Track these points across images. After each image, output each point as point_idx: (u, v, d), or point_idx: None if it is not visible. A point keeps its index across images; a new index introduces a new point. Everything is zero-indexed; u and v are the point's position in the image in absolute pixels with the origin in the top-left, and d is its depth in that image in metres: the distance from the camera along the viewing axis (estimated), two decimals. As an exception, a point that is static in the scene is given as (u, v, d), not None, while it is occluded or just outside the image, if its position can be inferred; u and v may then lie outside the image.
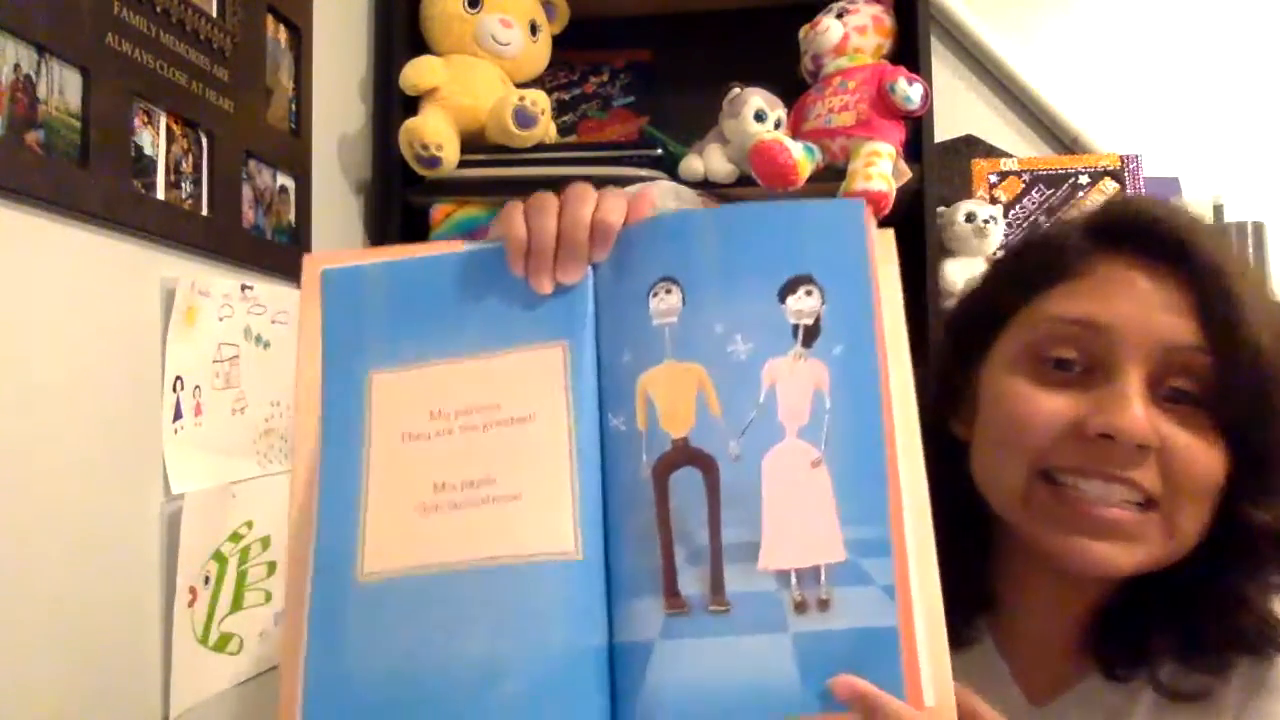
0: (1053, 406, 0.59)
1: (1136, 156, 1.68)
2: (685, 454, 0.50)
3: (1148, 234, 0.60)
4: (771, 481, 0.49)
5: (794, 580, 0.47)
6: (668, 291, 0.52)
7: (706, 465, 0.49)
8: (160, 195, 1.02)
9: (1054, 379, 0.60)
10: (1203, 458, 0.57)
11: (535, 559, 0.49)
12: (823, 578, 0.47)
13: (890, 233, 0.53)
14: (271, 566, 1.17)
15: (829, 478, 0.48)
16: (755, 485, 0.49)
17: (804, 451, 0.49)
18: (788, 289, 0.51)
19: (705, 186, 1.50)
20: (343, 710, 0.50)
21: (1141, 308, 0.58)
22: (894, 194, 1.41)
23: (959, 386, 0.66)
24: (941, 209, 1.58)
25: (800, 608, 0.47)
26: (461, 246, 0.56)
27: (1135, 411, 0.55)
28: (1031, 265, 0.64)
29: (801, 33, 1.59)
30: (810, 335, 0.50)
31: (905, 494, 0.48)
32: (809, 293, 0.50)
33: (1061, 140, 1.84)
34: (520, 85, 1.58)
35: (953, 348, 0.68)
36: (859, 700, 0.44)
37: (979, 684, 0.59)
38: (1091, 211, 0.65)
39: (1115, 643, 0.63)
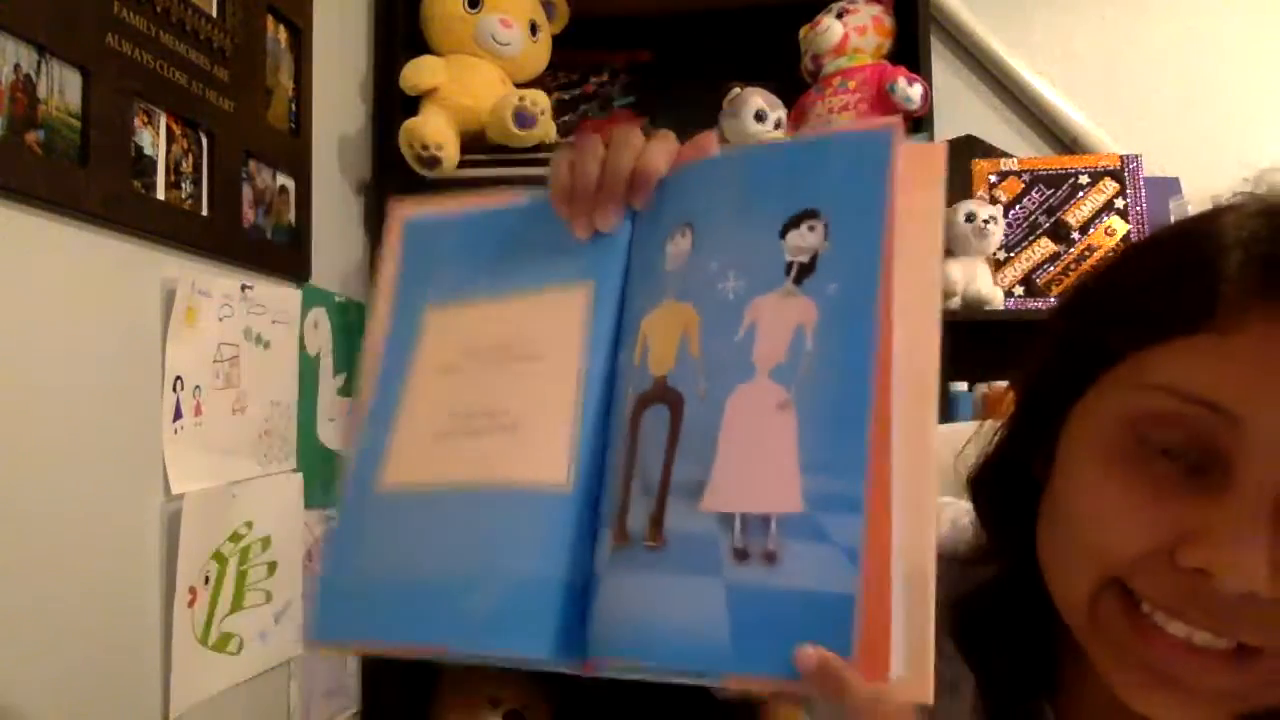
0: (1141, 517, 0.44)
1: (1136, 156, 1.68)
2: (659, 392, 0.48)
3: None
4: (733, 420, 0.45)
5: (738, 525, 0.43)
6: (684, 235, 0.50)
7: (675, 402, 0.47)
8: (160, 195, 1.02)
9: (1156, 474, 0.44)
10: None
11: (526, 487, 0.50)
12: (773, 528, 0.42)
13: (939, 148, 0.47)
14: (272, 566, 1.17)
15: (794, 422, 0.44)
16: (715, 424, 0.45)
17: (772, 392, 0.45)
18: (790, 224, 0.47)
19: (705, 186, 1.50)
20: (348, 597, 0.53)
21: None
22: (894, 194, 1.41)
23: (1043, 421, 0.51)
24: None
25: (740, 556, 0.43)
26: (525, 195, 0.57)
27: (1249, 551, 0.40)
28: (1163, 297, 0.45)
29: (801, 33, 1.59)
30: (804, 272, 0.46)
31: (898, 453, 0.41)
32: (811, 228, 0.46)
33: (1061, 140, 1.84)
34: (520, 85, 1.58)
35: (1044, 378, 0.52)
36: (820, 677, 0.38)
37: None
38: (1265, 230, 0.44)
39: None
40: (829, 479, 0.42)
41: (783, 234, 0.47)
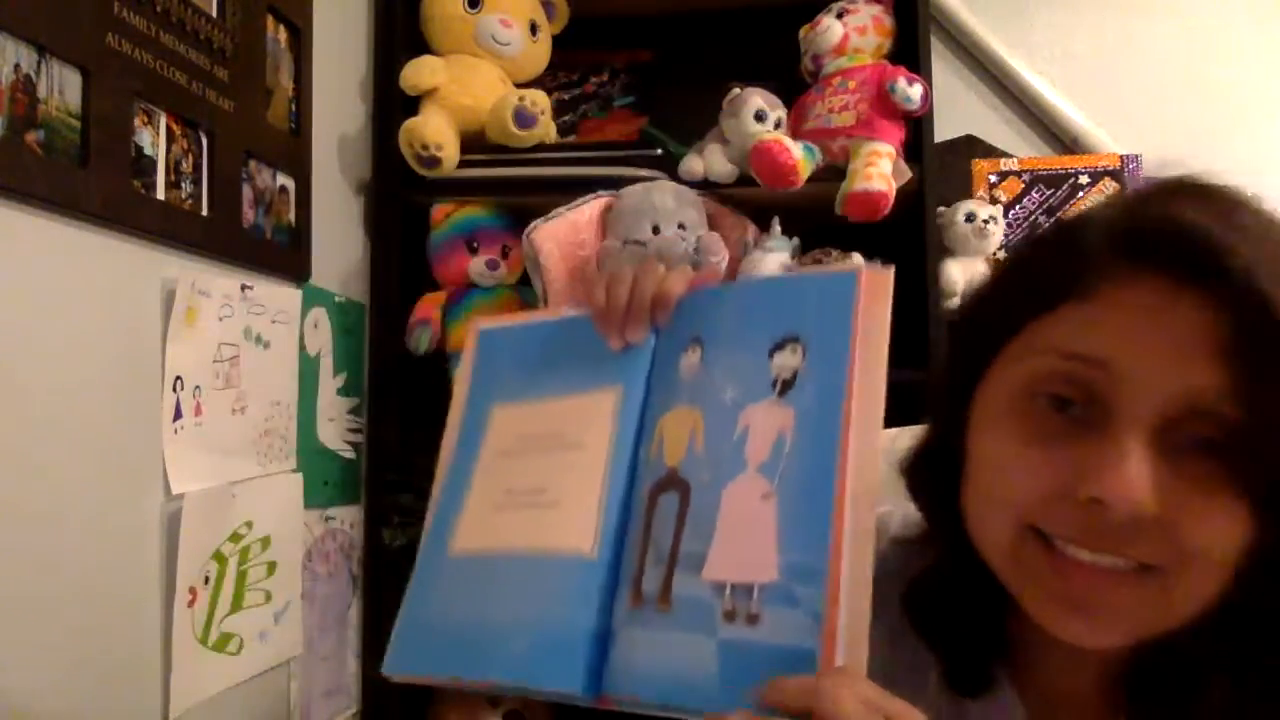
0: (1039, 461, 0.51)
1: (1136, 156, 1.68)
2: (672, 480, 0.59)
3: (1184, 249, 0.48)
4: (728, 507, 0.56)
5: (728, 592, 0.54)
6: (694, 351, 0.63)
7: (684, 489, 0.58)
8: (160, 195, 1.02)
9: (1048, 425, 0.51)
10: (1217, 524, 0.47)
11: (560, 553, 0.62)
12: (755, 594, 0.53)
13: (889, 274, 0.57)
14: (271, 566, 1.17)
15: (775, 509, 0.55)
16: (714, 508, 0.57)
17: (759, 484, 0.56)
18: (777, 347, 0.59)
19: (705, 186, 1.50)
20: (419, 638, 0.65)
21: (1159, 343, 0.47)
22: (894, 194, 1.41)
23: (964, 403, 0.58)
24: (941, 209, 1.58)
25: (729, 616, 0.53)
26: (568, 313, 0.71)
27: (1132, 475, 0.47)
28: (1039, 276, 0.54)
29: (801, 33, 1.59)
30: (786, 386, 0.57)
31: (848, 531, 0.52)
32: (794, 350, 0.58)
33: (1061, 140, 1.84)
34: (520, 85, 1.58)
35: (955, 365, 0.60)
36: (783, 707, 0.47)
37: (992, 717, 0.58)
38: (1118, 210, 0.54)
39: (1153, 704, 0.55)
40: (801, 555, 0.52)
41: (771, 354, 0.59)
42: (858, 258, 0.57)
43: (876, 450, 0.53)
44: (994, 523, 0.54)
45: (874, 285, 0.57)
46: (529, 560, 0.63)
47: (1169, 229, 0.49)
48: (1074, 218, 0.57)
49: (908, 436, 0.64)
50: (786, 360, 0.58)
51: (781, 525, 0.54)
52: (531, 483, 0.66)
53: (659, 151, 1.53)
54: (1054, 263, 0.54)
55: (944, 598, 0.57)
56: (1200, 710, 0.52)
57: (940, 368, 0.63)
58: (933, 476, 0.61)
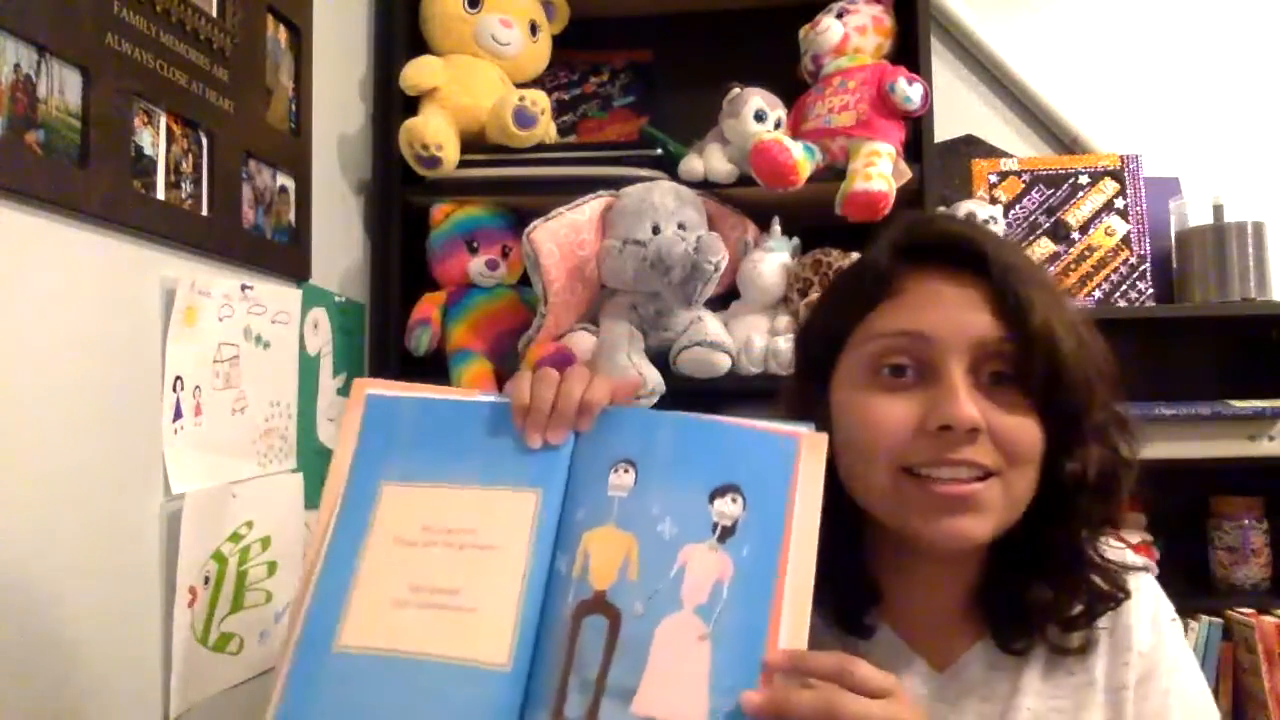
0: (898, 411, 0.67)
1: (1136, 156, 1.68)
2: (599, 604, 0.60)
3: (949, 248, 0.69)
4: (662, 643, 0.58)
5: None
6: (626, 471, 0.64)
7: (613, 616, 0.59)
8: (160, 195, 1.02)
9: (894, 386, 0.68)
10: (1023, 430, 0.66)
11: (474, 663, 0.60)
12: None
13: (824, 437, 0.64)
14: (271, 566, 1.17)
15: (709, 652, 0.57)
16: (647, 642, 0.58)
17: (695, 626, 0.58)
18: (718, 493, 0.62)
19: (705, 186, 1.50)
20: None
21: (952, 312, 0.67)
22: (894, 194, 1.41)
23: (813, 404, 0.72)
24: (941, 209, 1.58)
25: None
26: (478, 395, 0.69)
27: (962, 403, 0.64)
28: (853, 292, 0.73)
29: (801, 33, 1.59)
30: (726, 534, 0.60)
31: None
32: (734, 500, 0.61)
33: (1061, 140, 1.84)
34: (520, 85, 1.58)
35: (802, 372, 0.77)
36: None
37: (887, 664, 0.67)
38: (896, 233, 0.72)
39: (998, 614, 0.72)
40: (730, 702, 0.56)
41: (711, 499, 0.62)
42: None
43: (807, 602, 0.59)
44: (874, 473, 0.68)
45: (813, 447, 0.63)
46: (436, 667, 0.60)
47: (942, 237, 0.70)
48: (866, 249, 0.75)
49: None
50: (727, 508, 0.61)
51: (715, 670, 0.57)
52: (441, 581, 0.62)
53: (659, 151, 1.53)
54: (863, 279, 0.72)
55: (826, 559, 0.64)
56: (1030, 606, 0.70)
57: (790, 375, 0.79)
58: None
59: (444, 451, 0.67)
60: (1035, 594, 0.71)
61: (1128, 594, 0.72)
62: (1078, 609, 0.71)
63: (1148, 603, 0.75)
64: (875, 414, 0.68)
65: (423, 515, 0.65)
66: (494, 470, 0.66)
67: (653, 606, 0.59)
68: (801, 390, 0.76)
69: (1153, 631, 0.74)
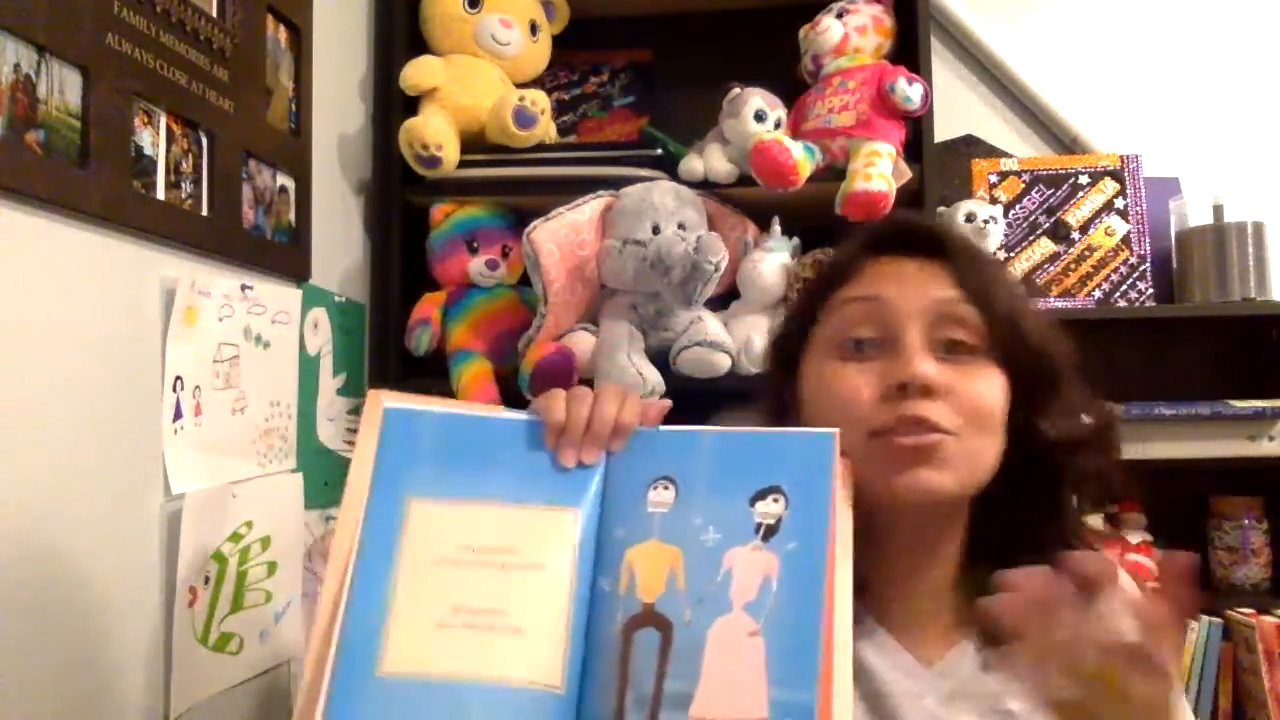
0: (862, 379, 0.70)
1: (1136, 156, 1.68)
2: (650, 616, 0.60)
3: (909, 235, 0.74)
4: (714, 645, 0.58)
5: None
6: (665, 488, 0.65)
7: (664, 626, 0.60)
8: (160, 195, 1.02)
9: (859, 357, 0.71)
10: (983, 392, 0.69)
11: (528, 685, 0.59)
12: None
13: (848, 462, 0.65)
14: (271, 566, 1.17)
15: (763, 646, 0.57)
16: (700, 646, 0.58)
17: (745, 623, 0.58)
18: (758, 496, 0.63)
19: (705, 186, 1.50)
20: None
21: (907, 280, 0.71)
22: (894, 194, 1.41)
23: (788, 391, 0.76)
24: (941, 209, 1.58)
25: None
26: (504, 412, 0.69)
27: (918, 360, 0.67)
28: (822, 279, 0.77)
29: (801, 33, 1.59)
30: (770, 532, 0.61)
31: (837, 672, 0.56)
32: (775, 500, 0.63)
33: (1061, 140, 1.84)
34: (520, 85, 1.58)
35: (777, 363, 0.80)
36: None
37: (873, 655, 0.72)
38: (868, 231, 0.78)
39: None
40: (791, 691, 0.56)
41: (752, 502, 0.63)
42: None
43: (850, 592, 0.60)
44: (848, 439, 0.68)
45: (842, 464, 0.64)
46: (489, 690, 0.59)
47: (902, 226, 0.77)
48: (844, 243, 0.80)
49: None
50: (769, 508, 0.62)
51: (771, 662, 0.57)
52: (486, 602, 0.61)
53: (659, 151, 1.53)
54: (834, 266, 0.78)
55: None
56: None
57: (768, 370, 0.82)
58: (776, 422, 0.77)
59: (473, 468, 0.66)
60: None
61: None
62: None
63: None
64: (841, 384, 0.71)
65: (458, 534, 0.63)
66: (528, 488, 0.65)
67: (702, 611, 0.59)
68: (779, 382, 0.79)
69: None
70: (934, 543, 0.74)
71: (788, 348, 0.78)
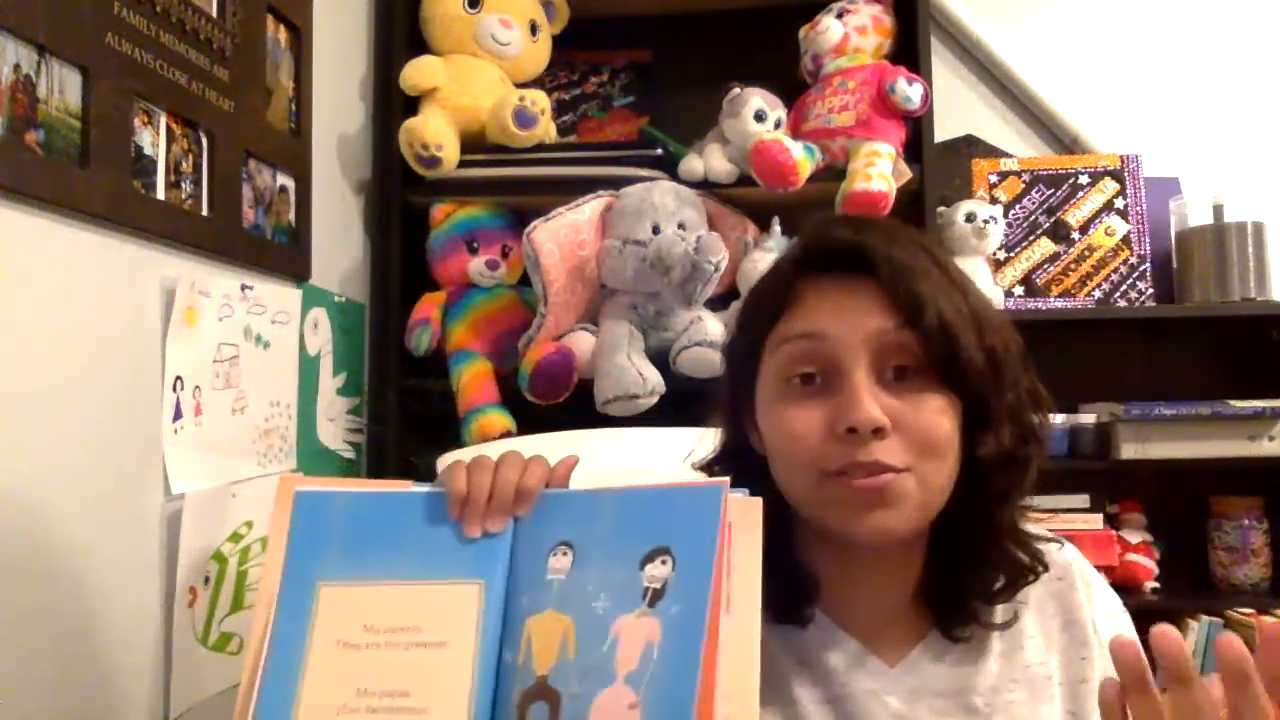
0: (810, 419, 0.68)
1: (1136, 156, 1.68)
2: (542, 689, 0.60)
3: (838, 254, 0.71)
4: (596, 718, 0.58)
5: None
6: (564, 553, 0.64)
7: (554, 700, 0.60)
8: (160, 195, 1.02)
9: (805, 394, 0.70)
10: (932, 423, 0.67)
11: None
12: None
13: (757, 502, 0.62)
14: (271, 566, 1.17)
15: (639, 719, 0.57)
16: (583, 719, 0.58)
17: (625, 695, 0.58)
18: (648, 558, 0.61)
19: (705, 186, 1.50)
20: None
21: (846, 312, 0.69)
22: (894, 194, 1.41)
23: (745, 410, 0.76)
24: (941, 209, 1.58)
25: None
26: (411, 487, 0.68)
27: (864, 403, 0.66)
28: (760, 307, 0.76)
29: (801, 33, 1.59)
30: (655, 597, 0.60)
31: None
32: (663, 562, 0.61)
33: (1061, 140, 1.84)
34: (520, 85, 1.58)
35: (731, 382, 0.79)
36: None
37: (835, 659, 0.72)
38: (800, 245, 0.76)
39: (936, 602, 0.74)
40: None
41: (642, 565, 0.61)
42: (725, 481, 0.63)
43: (755, 649, 0.59)
44: (800, 479, 0.69)
45: (744, 510, 0.62)
46: None
47: (831, 245, 0.72)
48: (778, 259, 0.78)
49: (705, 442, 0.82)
50: (657, 571, 0.61)
51: None
52: (389, 683, 0.62)
53: (659, 151, 1.53)
54: (770, 292, 0.75)
55: (766, 561, 0.65)
56: (961, 588, 0.73)
57: (721, 388, 0.81)
58: (735, 466, 0.77)
59: (380, 547, 0.66)
60: (963, 576, 0.73)
61: (1046, 567, 0.74)
62: (999, 582, 0.73)
63: (1103, 594, 0.78)
64: (789, 424, 0.69)
65: (363, 615, 0.64)
66: (434, 563, 0.65)
67: (587, 684, 0.59)
68: (732, 403, 0.78)
69: (1113, 624, 0.76)
70: (897, 552, 0.73)
71: (742, 373, 0.77)
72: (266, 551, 0.66)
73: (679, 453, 0.83)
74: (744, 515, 0.62)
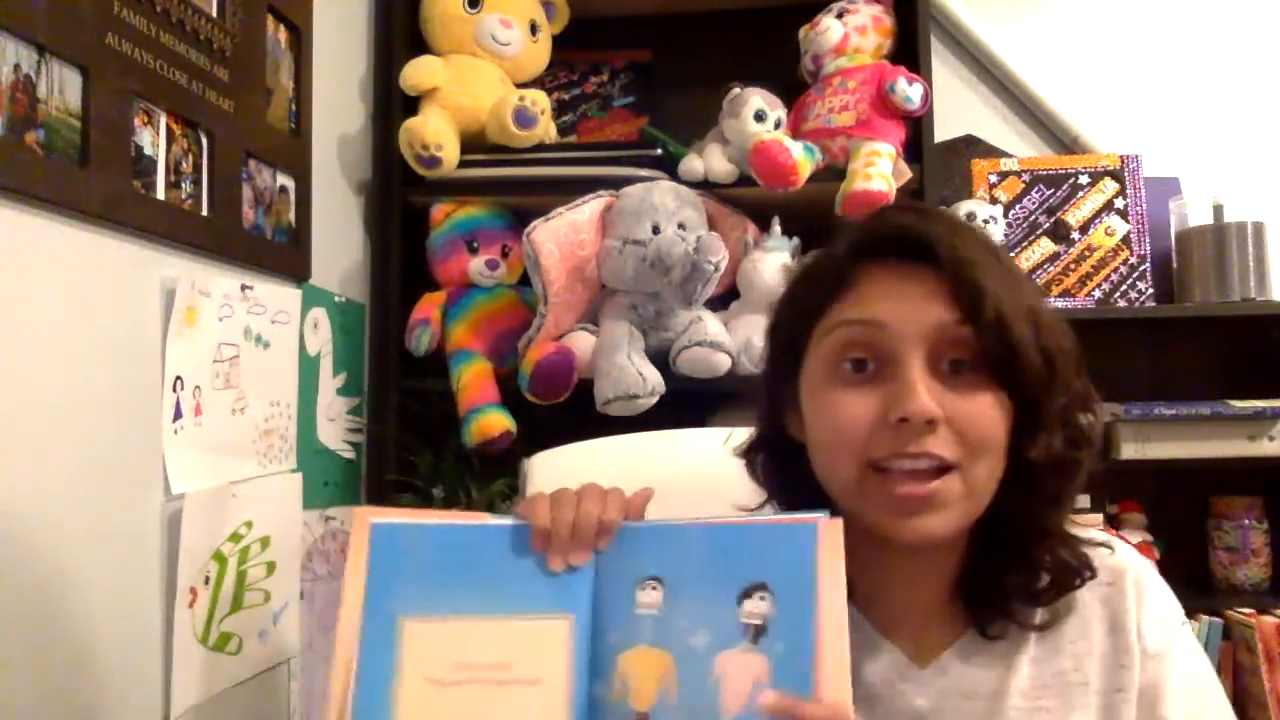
0: (860, 406, 0.67)
1: (1136, 156, 1.68)
2: None
3: (899, 241, 0.70)
4: None
5: None
6: (654, 588, 0.64)
7: None
8: (160, 195, 1.02)
9: (856, 380, 0.69)
10: (983, 418, 0.66)
11: None
12: None
13: (839, 522, 0.63)
14: (271, 566, 1.17)
15: None
16: None
17: None
18: (745, 594, 0.62)
19: (705, 186, 1.50)
20: None
21: (906, 301, 0.68)
22: (894, 194, 1.41)
23: (786, 397, 0.75)
24: (941, 209, 1.58)
25: None
26: (489, 520, 0.68)
27: (919, 394, 0.65)
28: (812, 288, 0.74)
29: (801, 33, 1.59)
30: (759, 633, 0.61)
31: None
32: (762, 599, 0.62)
33: (1061, 140, 1.84)
34: (520, 85, 1.58)
35: (773, 367, 0.78)
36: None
37: (866, 660, 0.71)
38: (852, 231, 0.74)
39: (975, 601, 0.73)
40: None
41: (739, 601, 0.62)
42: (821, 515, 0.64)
43: (847, 689, 0.59)
44: (841, 468, 0.68)
45: (829, 532, 0.63)
46: None
47: (894, 231, 0.71)
48: (827, 244, 0.75)
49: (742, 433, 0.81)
50: (756, 607, 0.62)
51: None
52: None
53: (659, 151, 1.53)
54: (822, 276, 0.73)
55: None
56: (1001, 588, 0.71)
57: (762, 374, 0.80)
58: (772, 455, 0.78)
59: (462, 581, 0.66)
60: (1005, 576, 0.72)
61: (1094, 572, 0.72)
62: (1044, 582, 0.71)
63: (1156, 601, 0.74)
64: (838, 410, 0.68)
65: (452, 652, 0.64)
66: (519, 598, 0.65)
67: None
68: (772, 389, 0.77)
69: (1163, 632, 0.73)
70: (935, 553, 0.72)
71: (786, 359, 0.75)
72: (344, 585, 0.65)
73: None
74: (828, 537, 0.63)
